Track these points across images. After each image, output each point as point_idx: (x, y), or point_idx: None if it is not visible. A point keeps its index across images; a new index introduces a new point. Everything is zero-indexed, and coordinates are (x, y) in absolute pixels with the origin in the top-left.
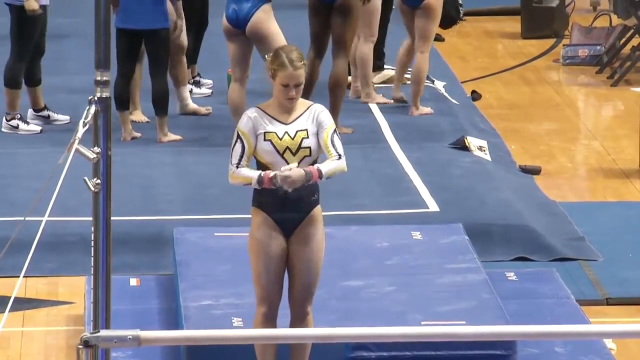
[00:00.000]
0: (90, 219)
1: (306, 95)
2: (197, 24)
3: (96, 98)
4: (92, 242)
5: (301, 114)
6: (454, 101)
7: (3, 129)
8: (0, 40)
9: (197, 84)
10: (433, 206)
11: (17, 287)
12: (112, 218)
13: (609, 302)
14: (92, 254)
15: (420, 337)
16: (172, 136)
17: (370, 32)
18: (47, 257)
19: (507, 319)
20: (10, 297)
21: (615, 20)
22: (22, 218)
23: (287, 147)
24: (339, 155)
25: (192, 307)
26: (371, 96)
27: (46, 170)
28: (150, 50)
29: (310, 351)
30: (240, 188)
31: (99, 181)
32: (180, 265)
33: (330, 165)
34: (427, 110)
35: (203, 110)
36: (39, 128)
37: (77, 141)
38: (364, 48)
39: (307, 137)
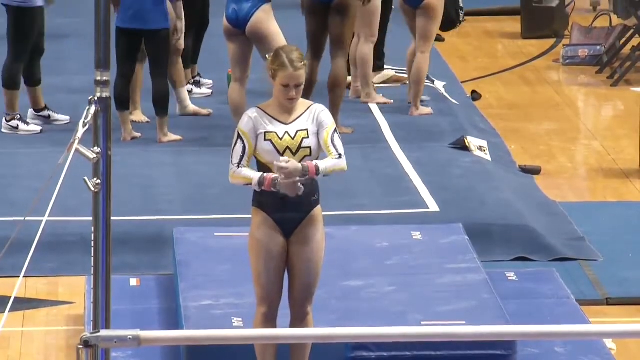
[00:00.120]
0: (90, 219)
1: (306, 96)
2: (198, 24)
3: (96, 98)
4: (92, 242)
5: (301, 114)
6: (454, 101)
7: (3, 130)
8: None
9: (197, 84)
10: (433, 206)
11: (17, 287)
12: (112, 218)
13: (609, 302)
14: (92, 254)
15: (420, 337)
16: (172, 136)
17: (370, 33)
18: (47, 257)
19: (507, 319)
20: (10, 297)
21: (615, 20)
22: (22, 218)
23: (288, 147)
24: (339, 154)
25: (192, 307)
26: (371, 96)
27: (46, 170)
28: (151, 50)
29: (310, 351)
30: (240, 188)
31: (99, 181)
32: (180, 265)
33: (329, 162)
34: (428, 110)
35: (203, 111)
36: (38, 128)
37: (77, 141)
38: (365, 48)
39: (308, 137)
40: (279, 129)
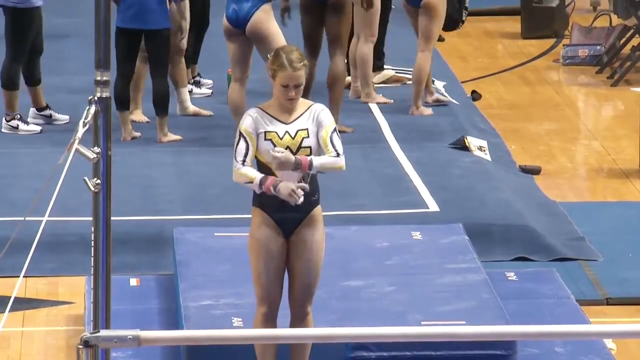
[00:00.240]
0: (90, 219)
1: (304, 95)
2: (198, 24)
3: (96, 98)
4: (92, 242)
5: (302, 114)
6: (454, 101)
7: (3, 130)
8: None
9: (197, 84)
10: (433, 206)
11: (17, 287)
12: (112, 218)
13: (609, 302)
14: (92, 254)
15: (420, 337)
16: (172, 136)
17: (370, 32)
18: (47, 257)
19: (507, 319)
20: (10, 297)
21: (615, 20)
22: (22, 218)
23: (288, 147)
24: (338, 153)
25: (192, 307)
26: (371, 96)
27: (46, 170)
28: (151, 50)
29: (310, 351)
30: (240, 188)
31: (99, 181)
32: (180, 265)
33: (324, 159)
34: (428, 111)
35: (204, 112)
36: (38, 128)
37: (77, 141)
38: (364, 48)
39: (308, 137)
40: (279, 128)
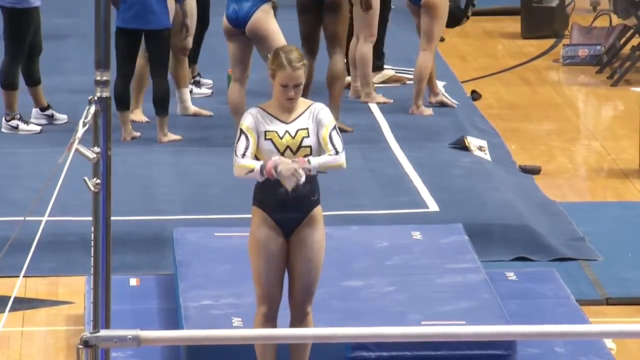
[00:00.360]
0: (90, 219)
1: (303, 95)
2: (198, 24)
3: (96, 98)
4: (92, 242)
5: (302, 113)
6: (454, 101)
7: (3, 130)
8: None
9: (197, 84)
10: (433, 206)
11: (17, 287)
12: (112, 218)
13: (609, 302)
14: (92, 254)
15: (420, 337)
16: (172, 136)
17: (370, 32)
18: (47, 257)
19: (507, 319)
20: (10, 297)
21: (615, 20)
22: (22, 218)
23: (288, 146)
24: (337, 151)
25: (192, 307)
26: (371, 96)
27: (46, 170)
28: (151, 50)
29: (310, 351)
30: (240, 188)
31: (99, 181)
32: (180, 265)
33: (322, 158)
34: (428, 111)
35: (204, 112)
36: (38, 128)
37: (77, 141)
38: (364, 48)
39: (308, 136)
40: (280, 128)
